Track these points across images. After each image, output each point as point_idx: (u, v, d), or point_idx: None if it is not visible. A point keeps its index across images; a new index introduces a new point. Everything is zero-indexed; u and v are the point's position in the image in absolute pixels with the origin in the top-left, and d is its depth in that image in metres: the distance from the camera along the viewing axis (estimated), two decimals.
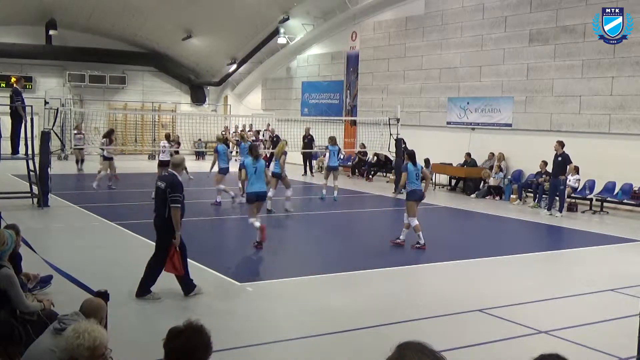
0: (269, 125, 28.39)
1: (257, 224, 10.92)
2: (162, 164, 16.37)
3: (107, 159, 18.78)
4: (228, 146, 18.32)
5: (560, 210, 15.94)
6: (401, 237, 11.58)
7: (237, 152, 21.72)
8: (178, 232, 7.76)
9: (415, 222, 11.35)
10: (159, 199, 7.88)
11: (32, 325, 5.43)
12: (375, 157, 24.00)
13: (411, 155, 11.86)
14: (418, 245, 11.28)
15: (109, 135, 19.23)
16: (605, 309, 7.99)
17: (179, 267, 7.84)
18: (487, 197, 19.00)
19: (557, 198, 16.01)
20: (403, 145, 20.08)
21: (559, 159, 15.75)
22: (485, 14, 20.40)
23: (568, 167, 16.06)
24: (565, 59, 18.06)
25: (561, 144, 15.78)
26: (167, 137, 19.56)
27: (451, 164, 20.72)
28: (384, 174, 23.99)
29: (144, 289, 7.86)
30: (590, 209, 16.79)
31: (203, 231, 12.97)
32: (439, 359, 2.29)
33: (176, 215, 7.70)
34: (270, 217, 14.06)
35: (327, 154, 17.83)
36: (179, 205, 7.74)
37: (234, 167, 17.20)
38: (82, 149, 17.69)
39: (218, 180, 16.08)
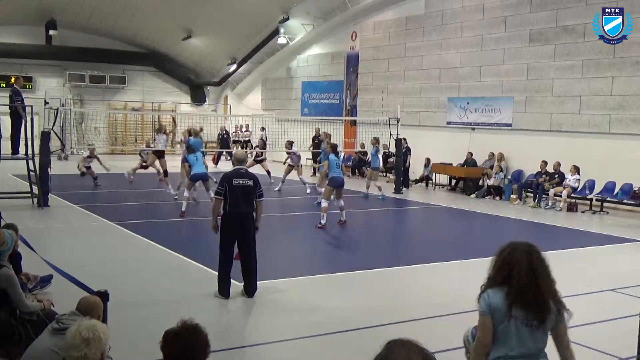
0: (263, 129, 28.23)
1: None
2: None
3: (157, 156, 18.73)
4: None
5: None
6: (322, 221, 12.93)
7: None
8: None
9: (325, 204, 13.03)
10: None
11: (32, 325, 5.42)
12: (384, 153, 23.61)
13: (334, 147, 13.88)
14: (319, 225, 12.87)
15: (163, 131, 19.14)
16: (605, 309, 7.99)
17: None
18: (487, 197, 18.99)
19: None
20: (405, 145, 20.60)
21: None
22: (485, 14, 20.39)
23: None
24: (565, 59, 18.06)
25: None
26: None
27: (451, 164, 20.71)
28: (384, 174, 23.95)
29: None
30: (590, 209, 16.79)
31: (203, 231, 12.95)
32: (426, 355, 2.29)
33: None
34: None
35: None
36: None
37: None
38: None
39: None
